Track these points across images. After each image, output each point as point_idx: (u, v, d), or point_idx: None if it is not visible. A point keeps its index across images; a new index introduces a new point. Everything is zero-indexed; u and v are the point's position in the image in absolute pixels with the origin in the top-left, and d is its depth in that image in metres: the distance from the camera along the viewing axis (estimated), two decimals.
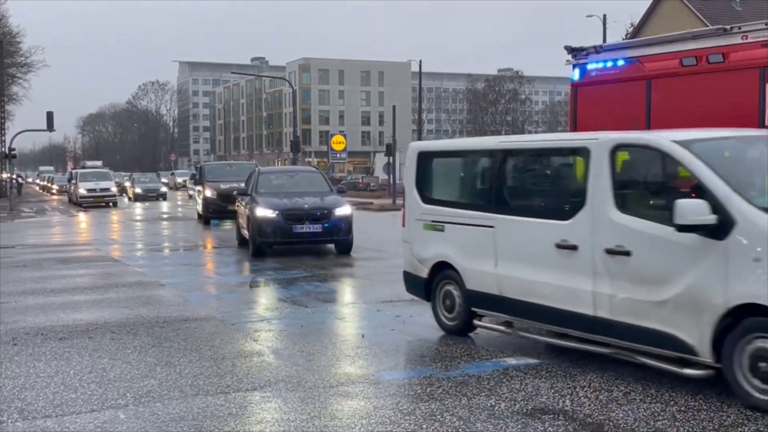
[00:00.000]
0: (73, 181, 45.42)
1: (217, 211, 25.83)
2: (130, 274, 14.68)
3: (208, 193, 26.00)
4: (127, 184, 55.52)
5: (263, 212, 16.04)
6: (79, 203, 41.92)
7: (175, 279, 13.96)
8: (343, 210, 16.43)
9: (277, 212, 16.00)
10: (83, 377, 7.19)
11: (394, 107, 44.81)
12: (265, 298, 11.95)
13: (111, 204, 42.13)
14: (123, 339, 8.78)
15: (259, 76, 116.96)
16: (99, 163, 58.28)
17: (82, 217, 33.87)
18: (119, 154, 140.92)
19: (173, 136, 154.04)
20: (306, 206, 16.16)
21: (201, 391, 6.69)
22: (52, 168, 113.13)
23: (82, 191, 42.33)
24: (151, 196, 49.40)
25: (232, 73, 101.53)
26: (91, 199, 41.85)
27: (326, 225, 16.04)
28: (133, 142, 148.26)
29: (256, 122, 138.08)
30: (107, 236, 24.25)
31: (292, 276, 13.85)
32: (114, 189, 43.61)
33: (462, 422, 5.73)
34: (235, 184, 22.97)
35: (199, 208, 27.65)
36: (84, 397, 6.55)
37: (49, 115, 43.84)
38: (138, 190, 50.00)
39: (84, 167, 51.74)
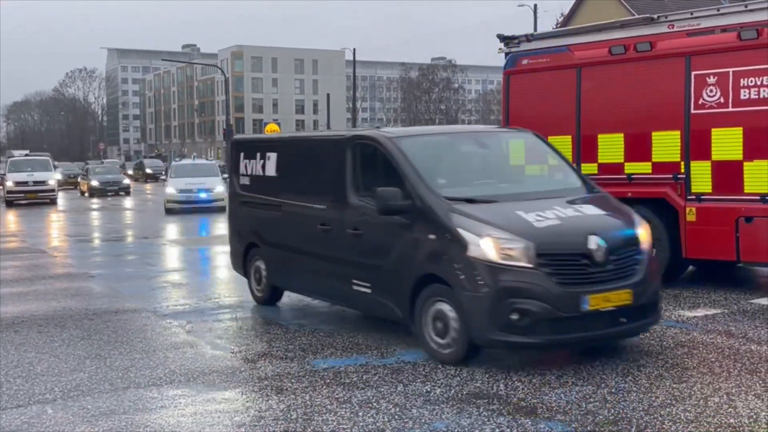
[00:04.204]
0: (2, 172, 37.67)
1: None
2: (57, 265, 14.32)
3: None
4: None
5: None
6: (7, 200, 33.77)
7: (104, 270, 13.67)
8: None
9: None
10: (9, 372, 6.98)
11: (328, 95, 44.77)
12: (198, 288, 11.77)
13: (49, 201, 34.13)
14: (50, 332, 8.56)
15: (191, 63, 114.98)
16: (25, 152, 52.91)
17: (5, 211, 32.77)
18: (46, 143, 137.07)
19: (102, 124, 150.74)
20: None
21: (132, 384, 6.57)
22: None
23: (9, 184, 33.96)
24: (110, 190, 40.71)
25: (163, 60, 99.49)
26: (21, 195, 33.91)
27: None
28: (61, 131, 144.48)
29: (188, 111, 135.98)
30: (35, 228, 23.57)
31: (224, 265, 13.69)
32: (52, 182, 34.97)
33: (398, 409, 5.74)
34: None
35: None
36: (10, 393, 6.36)
37: None
38: (95, 183, 40.90)
39: (11, 157, 42.60)
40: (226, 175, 25.11)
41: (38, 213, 29.54)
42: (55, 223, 25.25)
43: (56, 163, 50.39)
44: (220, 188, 26.72)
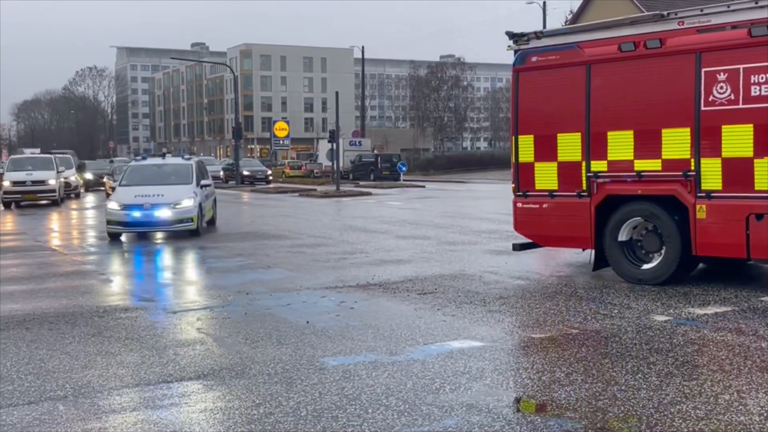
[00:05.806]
0: (1, 171, 34.23)
1: None
2: (68, 263, 14.38)
3: None
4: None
5: None
6: (4, 201, 30.74)
7: (115, 268, 13.71)
8: None
9: None
10: (20, 368, 7.01)
11: (337, 93, 44.61)
12: (208, 286, 11.79)
13: (51, 202, 31.23)
14: (61, 329, 8.59)
15: (200, 61, 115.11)
16: (37, 150, 51.97)
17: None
18: (56, 142, 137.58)
19: (112, 123, 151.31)
20: None
21: (142, 380, 6.59)
22: None
23: (6, 184, 30.77)
24: None
25: (172, 58, 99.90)
26: (19, 196, 30.71)
27: None
28: (70, 129, 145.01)
29: (197, 109, 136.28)
30: (43, 226, 23.65)
31: (234, 264, 13.72)
32: (53, 182, 31.29)
33: (407, 406, 5.75)
34: None
35: None
36: (21, 389, 6.39)
37: None
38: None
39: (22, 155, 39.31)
40: (206, 181, 19.42)
41: (43, 213, 29.50)
42: (63, 222, 25.29)
43: (84, 161, 49.13)
44: (187, 203, 17.76)
